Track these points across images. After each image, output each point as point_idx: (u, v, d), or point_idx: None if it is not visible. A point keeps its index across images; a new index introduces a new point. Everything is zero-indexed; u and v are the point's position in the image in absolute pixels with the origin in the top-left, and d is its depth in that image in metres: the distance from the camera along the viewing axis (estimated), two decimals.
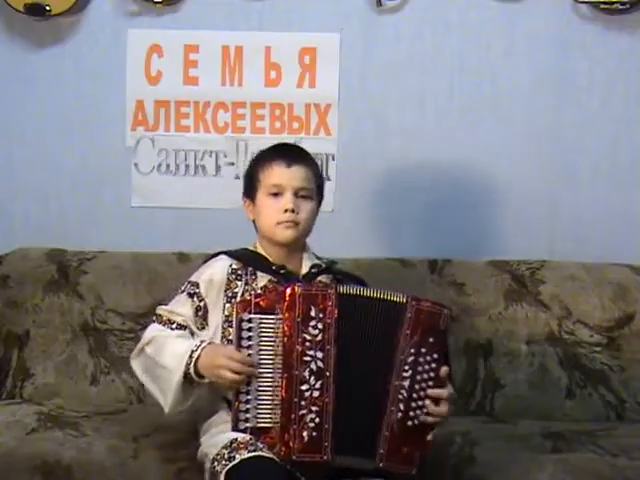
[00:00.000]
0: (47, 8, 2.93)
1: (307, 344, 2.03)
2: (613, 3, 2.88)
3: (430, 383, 2.08)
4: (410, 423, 2.06)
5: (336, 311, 2.04)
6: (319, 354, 2.03)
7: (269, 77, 3.00)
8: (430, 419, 2.07)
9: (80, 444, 2.32)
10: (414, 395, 2.06)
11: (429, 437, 2.09)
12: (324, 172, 2.96)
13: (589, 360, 2.75)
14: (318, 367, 2.03)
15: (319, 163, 2.94)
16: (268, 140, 2.89)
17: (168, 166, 3.04)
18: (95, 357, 2.79)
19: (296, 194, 2.23)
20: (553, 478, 2.22)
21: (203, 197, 3.03)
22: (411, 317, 2.06)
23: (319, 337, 2.03)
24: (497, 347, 2.76)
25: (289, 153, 2.28)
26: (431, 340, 2.07)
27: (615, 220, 2.97)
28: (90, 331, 2.81)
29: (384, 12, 2.96)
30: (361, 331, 2.06)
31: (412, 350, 2.06)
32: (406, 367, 2.06)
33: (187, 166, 3.03)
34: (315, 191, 2.29)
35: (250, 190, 2.30)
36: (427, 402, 2.07)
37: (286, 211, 2.21)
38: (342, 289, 2.07)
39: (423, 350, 2.07)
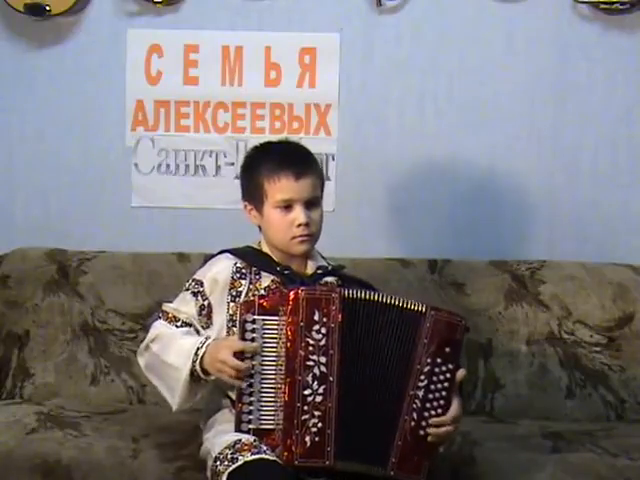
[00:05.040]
0: (47, 8, 2.93)
1: (310, 349, 2.02)
2: (613, 3, 2.88)
3: (444, 393, 2.07)
4: (422, 432, 2.06)
5: (340, 315, 2.03)
6: (322, 359, 2.02)
7: (269, 77, 3.00)
8: (435, 431, 2.06)
9: (80, 444, 2.33)
10: (427, 405, 2.06)
11: (441, 449, 2.09)
12: (324, 172, 2.96)
13: (589, 360, 2.75)
14: (321, 372, 2.02)
15: (319, 163, 2.95)
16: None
17: (168, 166, 3.04)
18: (95, 357, 2.79)
19: (306, 204, 2.18)
20: (553, 478, 2.22)
21: (203, 197, 3.03)
22: (429, 327, 2.06)
23: (322, 342, 2.02)
24: (497, 347, 2.76)
25: (297, 163, 2.19)
26: (447, 350, 2.07)
27: (615, 220, 2.97)
28: (90, 331, 2.81)
29: (384, 12, 2.97)
30: (370, 336, 2.05)
31: (429, 360, 2.06)
32: (422, 377, 2.05)
33: (187, 166, 3.03)
34: (320, 192, 2.25)
35: (253, 197, 2.23)
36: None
37: (299, 225, 2.17)
38: (346, 293, 2.05)
39: (439, 360, 2.06)
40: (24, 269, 2.85)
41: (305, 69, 2.99)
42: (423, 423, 2.05)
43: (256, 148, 2.31)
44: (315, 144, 2.90)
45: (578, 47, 2.94)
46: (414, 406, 2.05)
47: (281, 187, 2.17)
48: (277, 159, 2.20)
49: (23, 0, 2.93)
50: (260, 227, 2.27)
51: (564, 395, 2.73)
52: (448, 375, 2.07)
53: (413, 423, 2.05)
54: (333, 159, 3.00)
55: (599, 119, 2.96)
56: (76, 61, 3.02)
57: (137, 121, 3.03)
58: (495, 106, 2.97)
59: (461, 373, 2.10)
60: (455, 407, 2.09)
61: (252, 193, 2.24)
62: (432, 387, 2.06)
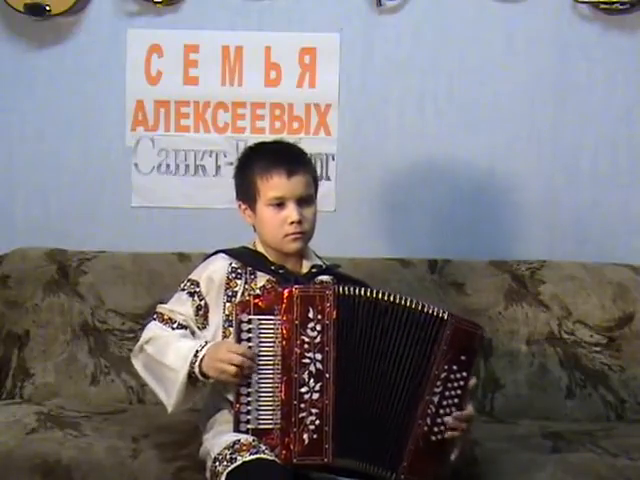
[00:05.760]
0: (47, 8, 2.93)
1: (306, 346, 2.02)
2: (613, 3, 2.88)
3: (456, 400, 2.08)
4: (434, 438, 2.06)
5: (334, 312, 2.03)
6: (318, 356, 2.02)
7: (269, 77, 3.00)
8: (451, 434, 2.07)
9: (80, 444, 2.33)
10: (441, 411, 2.06)
11: (452, 457, 2.09)
12: (324, 172, 2.97)
13: (589, 360, 2.75)
14: (317, 369, 2.02)
15: (319, 163, 2.96)
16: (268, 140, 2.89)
17: (168, 166, 3.04)
18: (95, 357, 2.79)
19: (298, 202, 2.19)
20: (553, 478, 2.22)
21: (203, 197, 3.03)
22: (450, 334, 2.05)
23: (318, 339, 2.02)
24: (497, 347, 2.76)
25: (289, 160, 2.20)
26: (463, 358, 2.07)
27: (615, 220, 2.97)
28: (90, 331, 2.81)
29: (384, 12, 2.97)
30: (374, 335, 2.04)
31: (445, 367, 2.06)
32: (438, 383, 2.05)
33: (187, 166, 3.03)
34: (314, 191, 2.26)
35: (247, 196, 2.24)
36: (447, 419, 2.06)
37: (292, 223, 2.17)
38: (341, 290, 2.05)
39: (455, 367, 2.07)
40: (24, 269, 2.85)
41: (305, 69, 2.99)
42: (435, 429, 2.06)
43: (250, 148, 2.32)
44: (315, 144, 2.92)
45: (578, 47, 2.94)
46: (429, 411, 2.05)
47: (273, 185, 2.18)
48: (269, 157, 2.22)
49: (23, 0, 2.93)
50: (254, 227, 2.27)
51: (564, 395, 2.73)
52: (462, 383, 2.08)
53: (426, 428, 2.05)
54: (333, 159, 2.99)
55: (599, 119, 2.96)
56: (76, 61, 3.02)
57: (137, 121, 3.03)
58: (495, 106, 2.97)
59: (472, 381, 2.11)
60: (470, 409, 2.10)
61: (245, 192, 2.24)
62: (446, 393, 2.06)
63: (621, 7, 2.88)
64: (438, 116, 2.98)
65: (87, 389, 2.76)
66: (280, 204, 2.18)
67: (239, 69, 3.00)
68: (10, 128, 3.05)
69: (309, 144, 2.88)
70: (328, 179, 2.98)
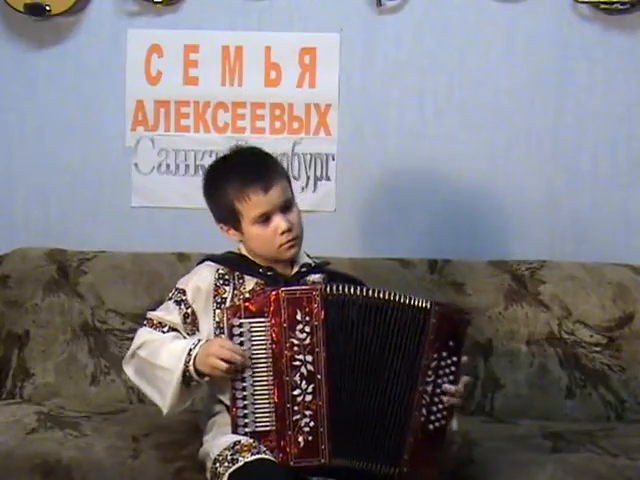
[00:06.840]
0: (47, 8, 2.93)
1: (295, 349, 2.02)
2: (613, 3, 2.88)
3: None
4: (431, 427, 2.06)
5: (322, 313, 2.02)
6: (309, 357, 2.02)
7: (269, 77, 3.00)
8: (450, 400, 2.07)
9: (80, 444, 2.33)
10: (435, 399, 2.07)
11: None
12: (324, 172, 2.97)
13: (589, 360, 2.75)
14: (308, 371, 2.02)
15: (319, 163, 2.96)
16: (268, 140, 2.89)
17: (168, 166, 3.04)
18: (95, 357, 2.79)
19: (282, 210, 2.18)
20: (553, 478, 2.22)
21: (203, 197, 3.02)
22: (435, 323, 2.05)
23: (307, 341, 2.02)
24: (497, 347, 2.76)
25: (260, 174, 2.17)
26: (451, 344, 2.08)
27: (615, 220, 2.96)
28: (90, 331, 2.81)
29: (384, 12, 2.96)
30: (365, 332, 2.04)
31: (435, 355, 2.06)
32: (429, 372, 2.06)
33: (187, 166, 3.03)
34: (291, 192, 2.23)
35: (228, 219, 2.21)
36: (443, 398, 2.07)
37: (283, 233, 2.16)
38: (328, 290, 2.04)
39: (444, 354, 2.07)
40: (24, 269, 2.85)
41: (305, 69, 2.99)
42: (432, 417, 2.06)
43: (214, 169, 2.28)
44: (315, 144, 2.92)
45: (578, 47, 2.94)
46: (423, 402, 2.05)
47: (253, 204, 2.16)
48: (240, 177, 2.18)
49: (23, 0, 2.93)
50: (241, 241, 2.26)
51: (564, 395, 2.73)
52: (453, 368, 2.08)
53: (423, 418, 2.05)
54: (333, 159, 2.99)
55: (599, 119, 2.95)
56: (76, 61, 3.03)
57: (137, 121, 3.03)
58: (495, 106, 2.97)
59: (464, 359, 2.11)
60: (464, 379, 2.11)
61: (226, 215, 2.22)
62: (439, 381, 2.07)
63: (621, 7, 2.88)
64: (438, 116, 2.98)
65: (87, 389, 2.77)
66: (266, 219, 2.17)
67: (239, 69, 3.00)
68: (10, 128, 3.05)
69: (309, 144, 2.90)
70: (328, 179, 2.97)
